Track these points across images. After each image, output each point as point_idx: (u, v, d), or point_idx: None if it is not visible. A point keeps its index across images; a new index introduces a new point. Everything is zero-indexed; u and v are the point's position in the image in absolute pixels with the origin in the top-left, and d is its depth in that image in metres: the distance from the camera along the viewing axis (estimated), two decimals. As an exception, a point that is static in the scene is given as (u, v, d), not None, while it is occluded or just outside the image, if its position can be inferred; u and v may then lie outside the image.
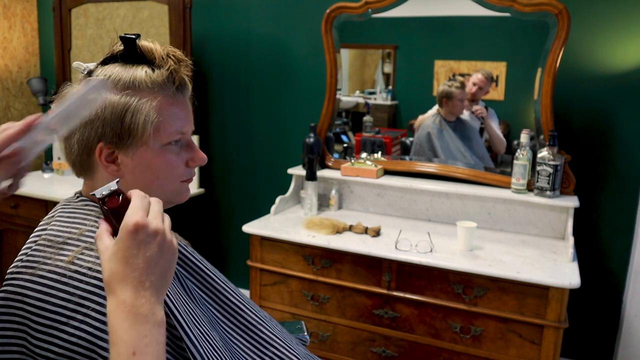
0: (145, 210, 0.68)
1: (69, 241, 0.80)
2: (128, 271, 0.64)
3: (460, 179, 2.30)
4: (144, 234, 0.65)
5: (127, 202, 0.69)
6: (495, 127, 2.35)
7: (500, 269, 1.80)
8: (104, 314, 0.73)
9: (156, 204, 0.70)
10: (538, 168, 2.09)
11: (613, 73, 2.13)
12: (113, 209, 0.69)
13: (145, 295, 0.64)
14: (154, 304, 0.65)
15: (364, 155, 2.56)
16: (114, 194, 0.69)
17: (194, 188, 2.82)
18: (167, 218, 0.71)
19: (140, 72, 0.83)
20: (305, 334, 1.38)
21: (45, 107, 3.34)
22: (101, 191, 0.69)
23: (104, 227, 0.69)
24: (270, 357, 1.02)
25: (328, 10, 2.38)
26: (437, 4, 2.40)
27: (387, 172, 2.46)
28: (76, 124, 0.76)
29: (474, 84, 2.35)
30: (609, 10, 2.10)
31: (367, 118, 2.66)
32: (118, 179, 0.71)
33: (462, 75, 2.38)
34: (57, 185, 2.87)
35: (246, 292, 2.56)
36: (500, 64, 2.32)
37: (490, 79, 2.33)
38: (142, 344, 0.62)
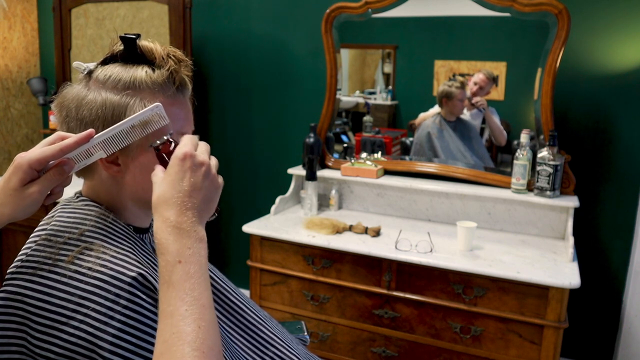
0: (194, 146, 0.77)
1: (69, 241, 0.80)
2: (173, 192, 0.72)
3: (460, 179, 2.30)
4: (191, 162, 0.73)
5: (175, 147, 0.78)
6: (497, 120, 2.36)
7: (500, 269, 1.80)
8: (104, 314, 0.73)
9: (204, 145, 0.79)
10: (538, 168, 2.09)
11: (613, 73, 2.13)
12: (166, 153, 0.78)
13: (187, 214, 0.71)
14: (196, 223, 0.72)
15: (364, 155, 2.56)
16: (166, 141, 0.79)
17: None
18: (214, 158, 0.80)
19: (141, 72, 0.83)
20: (305, 334, 1.39)
21: (45, 107, 3.35)
22: (156, 141, 0.79)
23: (159, 168, 0.77)
24: (270, 357, 1.02)
25: (328, 10, 2.38)
26: (437, 4, 2.40)
27: (387, 172, 2.46)
28: (124, 145, 0.80)
29: (475, 84, 2.35)
30: (609, 10, 2.10)
31: (367, 118, 2.66)
32: (172, 131, 0.81)
33: (462, 75, 2.38)
34: (57, 185, 2.87)
35: (246, 292, 2.56)
36: (500, 64, 2.33)
37: (492, 79, 2.33)
38: (186, 254, 0.69)
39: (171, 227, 0.70)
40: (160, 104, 0.80)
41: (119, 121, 0.81)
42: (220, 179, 0.78)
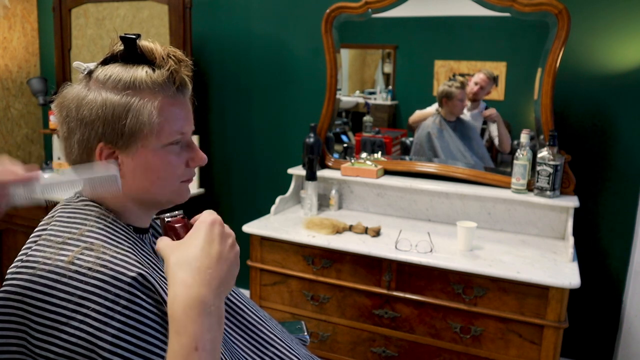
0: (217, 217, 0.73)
1: (69, 241, 0.80)
2: (200, 255, 0.66)
3: (460, 179, 2.30)
4: (220, 230, 0.71)
5: (188, 223, 0.78)
6: (504, 127, 2.36)
7: (500, 269, 1.80)
8: (104, 315, 0.73)
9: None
10: (538, 168, 2.09)
11: (613, 73, 2.13)
12: (175, 226, 0.77)
13: (212, 285, 0.65)
14: (218, 297, 0.65)
15: (364, 155, 2.56)
16: (177, 216, 0.78)
17: (194, 188, 2.82)
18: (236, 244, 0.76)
19: (141, 72, 0.83)
20: (305, 334, 1.39)
21: (45, 107, 3.34)
22: (168, 217, 0.79)
23: (164, 238, 0.75)
24: (270, 357, 1.02)
25: (328, 10, 2.38)
26: (437, 4, 2.40)
27: (387, 172, 2.46)
28: (63, 195, 0.80)
29: (476, 84, 2.35)
30: (609, 10, 2.10)
31: (367, 118, 2.66)
32: (181, 210, 0.80)
33: (462, 75, 2.38)
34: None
35: (246, 292, 2.56)
36: (500, 64, 2.33)
37: (492, 79, 2.33)
38: (204, 339, 0.62)
39: (192, 298, 0.63)
40: (117, 174, 0.79)
41: (120, 121, 0.81)
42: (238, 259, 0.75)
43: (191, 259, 0.66)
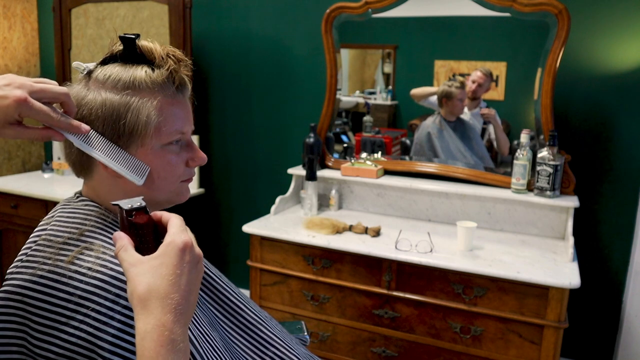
0: (186, 229, 0.67)
1: (69, 241, 0.80)
2: (171, 291, 0.61)
3: (460, 179, 2.30)
4: (191, 256, 0.64)
5: (152, 221, 0.68)
6: (501, 129, 2.36)
7: (500, 269, 1.80)
8: (104, 314, 0.73)
9: (189, 231, 0.69)
10: (538, 168, 2.09)
11: (613, 73, 2.13)
12: (140, 224, 0.67)
13: (180, 322, 0.62)
14: (185, 332, 0.62)
15: (364, 155, 2.56)
16: (141, 210, 0.68)
17: (194, 188, 2.82)
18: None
19: (140, 72, 0.83)
20: (305, 334, 1.38)
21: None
22: (127, 203, 0.67)
23: (127, 239, 0.66)
24: (270, 357, 1.02)
25: (328, 10, 2.38)
26: (437, 4, 2.40)
27: (387, 172, 2.46)
28: (97, 158, 0.80)
29: (474, 82, 2.35)
30: (609, 10, 2.10)
31: (367, 118, 2.66)
32: (142, 197, 0.70)
33: (462, 75, 2.38)
34: (57, 185, 2.87)
35: (246, 292, 2.56)
36: (500, 64, 2.32)
37: (490, 76, 2.33)
38: None
39: (165, 337, 0.60)
40: (150, 168, 0.81)
41: (119, 121, 0.81)
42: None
43: (163, 294, 0.61)
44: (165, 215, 0.69)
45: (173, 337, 0.60)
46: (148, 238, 0.67)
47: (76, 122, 0.77)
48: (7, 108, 0.70)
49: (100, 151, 0.79)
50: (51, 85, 0.75)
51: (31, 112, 0.71)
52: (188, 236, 0.65)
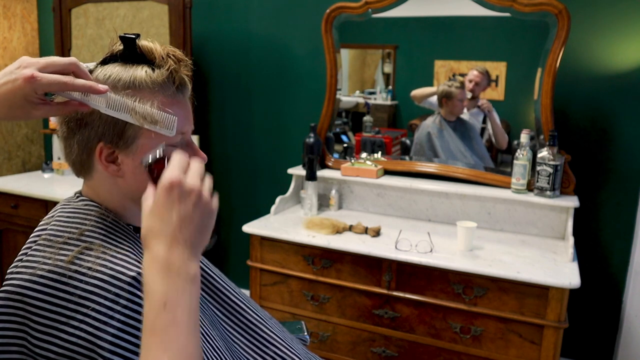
0: (183, 169, 0.69)
1: (69, 241, 0.80)
2: (162, 226, 0.66)
3: (460, 179, 2.30)
4: (178, 192, 0.67)
5: (162, 160, 0.73)
6: (498, 122, 2.36)
7: (500, 269, 1.80)
8: (104, 314, 0.73)
9: (196, 164, 0.71)
10: (538, 168, 2.09)
11: (613, 73, 2.13)
12: (156, 175, 0.72)
13: (178, 250, 0.66)
14: (187, 259, 0.66)
15: (364, 155, 2.56)
16: (161, 159, 0.72)
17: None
18: (208, 179, 0.72)
19: (140, 72, 0.83)
20: (305, 334, 1.38)
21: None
22: (148, 158, 0.73)
23: (151, 190, 0.71)
24: (271, 356, 1.02)
25: (328, 10, 2.38)
26: (437, 4, 2.40)
27: (387, 172, 2.46)
28: (125, 120, 0.79)
29: (470, 81, 2.36)
30: (609, 10, 2.10)
31: (367, 118, 2.66)
32: (164, 146, 0.75)
33: (462, 75, 2.38)
34: (57, 185, 2.87)
35: (246, 292, 2.56)
36: (500, 64, 2.33)
37: (486, 74, 2.34)
38: (173, 296, 0.64)
39: (159, 265, 0.65)
40: (177, 119, 0.80)
41: (119, 121, 0.81)
42: (214, 203, 0.71)
43: (156, 231, 0.67)
44: (172, 156, 0.72)
45: (168, 265, 0.65)
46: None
47: (92, 82, 0.76)
48: (21, 89, 0.72)
49: (127, 113, 0.79)
50: (58, 58, 0.76)
51: (44, 86, 0.73)
52: (175, 174, 0.68)
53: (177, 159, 0.70)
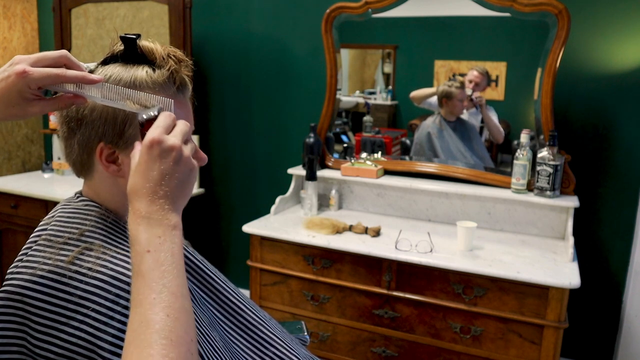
0: (167, 128, 0.71)
1: (69, 241, 0.80)
2: (144, 182, 0.69)
3: (460, 179, 2.30)
4: (159, 149, 0.69)
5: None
6: (494, 118, 2.36)
7: (500, 269, 1.80)
8: (104, 315, 0.73)
9: (181, 125, 0.73)
10: (538, 168, 2.09)
11: (613, 73, 2.13)
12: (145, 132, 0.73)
13: (158, 203, 0.69)
14: (168, 211, 0.69)
15: (364, 155, 2.56)
16: (152, 119, 0.73)
17: (194, 188, 2.81)
18: (191, 142, 0.75)
19: (141, 72, 0.83)
20: (305, 334, 1.38)
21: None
22: (143, 115, 0.74)
23: (137, 148, 0.72)
24: (270, 357, 1.02)
25: (328, 10, 2.38)
26: (437, 4, 2.40)
27: (387, 172, 2.46)
28: (123, 108, 0.78)
29: (470, 81, 2.36)
30: (609, 10, 2.10)
31: (367, 118, 2.66)
32: (160, 107, 0.75)
33: (462, 75, 2.38)
34: (57, 185, 2.87)
35: (246, 292, 2.56)
36: (500, 64, 2.33)
37: (486, 74, 2.34)
38: (155, 243, 0.67)
39: (140, 217, 0.68)
40: (173, 101, 0.78)
41: (120, 121, 0.81)
42: (193, 161, 0.73)
43: (137, 188, 0.69)
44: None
45: (149, 217, 0.68)
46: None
47: (84, 73, 0.76)
48: (14, 85, 0.72)
49: (123, 101, 0.78)
50: (49, 52, 0.76)
51: (36, 80, 0.73)
52: (157, 132, 0.70)
53: (162, 119, 0.72)
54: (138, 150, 0.72)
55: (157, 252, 0.66)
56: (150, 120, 0.73)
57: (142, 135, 0.73)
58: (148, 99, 0.78)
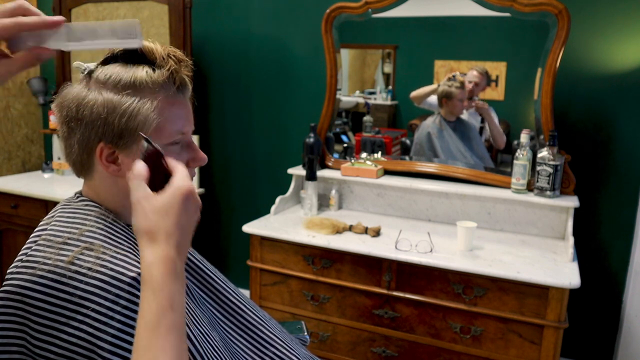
0: (190, 178, 0.76)
1: (69, 241, 0.80)
2: (176, 230, 0.70)
3: (460, 179, 2.30)
4: (194, 203, 0.74)
5: (162, 154, 0.75)
6: (496, 121, 2.36)
7: (500, 269, 1.80)
8: (104, 315, 0.73)
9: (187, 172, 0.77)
10: (538, 168, 2.09)
11: (613, 73, 2.13)
12: (158, 152, 0.74)
13: (182, 256, 0.71)
14: (182, 266, 0.72)
15: (364, 155, 2.56)
16: (155, 150, 0.74)
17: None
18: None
19: (141, 72, 0.83)
20: (305, 334, 1.39)
21: (45, 107, 3.34)
22: (144, 144, 0.75)
23: (143, 170, 0.73)
24: (270, 357, 1.02)
25: (328, 10, 2.38)
26: (437, 4, 2.40)
27: (387, 172, 2.46)
28: (91, 47, 0.74)
29: (470, 82, 2.36)
30: (609, 10, 2.10)
31: (367, 118, 2.66)
32: (150, 137, 0.77)
33: (462, 74, 2.38)
34: (57, 185, 2.87)
35: (246, 292, 2.56)
36: (500, 64, 2.33)
37: (486, 74, 2.34)
38: (177, 301, 0.68)
39: (171, 267, 0.68)
40: (138, 21, 0.74)
41: (120, 121, 0.81)
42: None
43: (169, 232, 0.70)
44: (172, 161, 0.77)
45: (176, 269, 0.69)
46: (160, 169, 0.74)
47: (45, 17, 0.71)
48: None
49: (91, 40, 0.73)
50: (4, 4, 0.71)
51: None
52: (190, 183, 0.74)
53: (184, 167, 0.76)
54: (145, 173, 0.73)
55: (176, 312, 0.68)
56: (155, 152, 0.74)
57: (147, 154, 0.74)
58: (113, 26, 0.74)
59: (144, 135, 0.76)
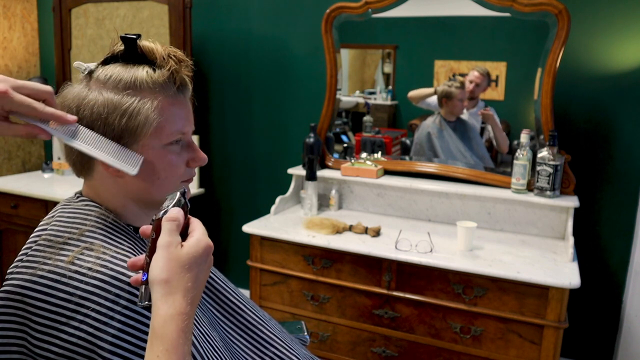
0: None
1: (69, 241, 0.80)
2: (193, 286, 0.68)
3: (460, 179, 2.30)
4: (211, 259, 0.72)
5: (189, 208, 0.76)
6: (500, 127, 2.36)
7: (500, 269, 1.80)
8: (104, 315, 0.73)
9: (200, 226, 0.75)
10: (538, 168, 2.09)
11: (613, 73, 2.13)
12: (188, 206, 0.74)
13: (194, 308, 0.68)
14: (194, 316, 0.70)
15: (364, 155, 2.56)
16: (176, 204, 0.73)
17: (194, 188, 2.82)
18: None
19: (141, 72, 0.83)
20: (305, 334, 1.39)
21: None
22: (159, 213, 0.72)
23: (181, 217, 0.71)
24: (270, 357, 1.02)
25: (328, 10, 2.38)
26: (437, 4, 2.40)
27: (387, 172, 2.46)
28: (88, 152, 0.78)
29: (471, 82, 2.36)
30: (609, 10, 2.10)
31: (367, 118, 2.66)
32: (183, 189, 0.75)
33: (462, 75, 2.38)
34: (57, 185, 2.87)
35: (246, 292, 2.56)
36: (500, 64, 2.33)
37: (487, 75, 2.34)
38: (183, 350, 0.65)
39: (185, 324, 0.66)
40: (143, 158, 0.80)
41: (120, 121, 0.81)
42: None
43: (188, 287, 0.67)
44: (191, 217, 0.75)
45: (189, 324, 0.66)
46: (186, 221, 0.73)
47: (61, 112, 0.75)
48: None
49: (89, 144, 0.77)
50: (36, 83, 0.75)
51: (13, 105, 0.71)
52: (209, 242, 0.71)
53: (202, 226, 0.73)
54: (181, 223, 0.70)
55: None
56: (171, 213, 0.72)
57: (184, 204, 0.73)
58: (118, 151, 0.78)
59: (183, 189, 0.75)
